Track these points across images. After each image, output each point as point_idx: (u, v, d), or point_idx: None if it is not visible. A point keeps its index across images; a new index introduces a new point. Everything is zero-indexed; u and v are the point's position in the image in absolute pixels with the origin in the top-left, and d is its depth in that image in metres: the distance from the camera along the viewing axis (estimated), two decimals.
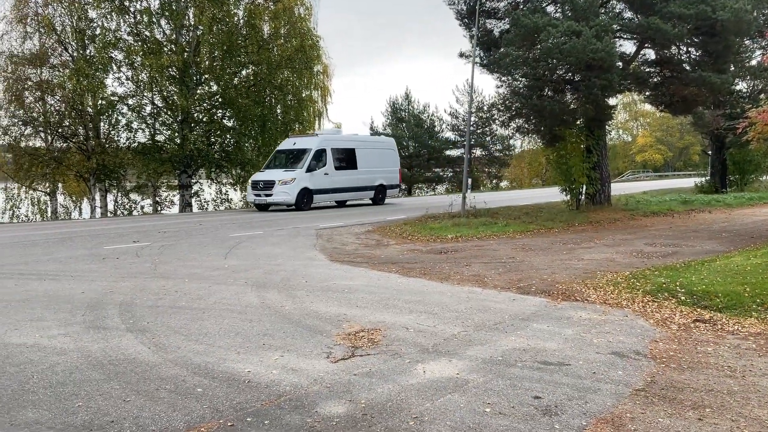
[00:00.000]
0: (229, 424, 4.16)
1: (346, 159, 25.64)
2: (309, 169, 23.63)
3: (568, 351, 5.78)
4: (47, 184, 30.49)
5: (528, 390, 4.78)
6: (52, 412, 4.33)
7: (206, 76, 30.57)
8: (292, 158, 24.45)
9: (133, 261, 11.17)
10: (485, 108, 50.95)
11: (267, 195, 23.25)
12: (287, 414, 4.32)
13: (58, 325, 6.61)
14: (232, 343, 5.98)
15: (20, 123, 28.48)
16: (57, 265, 10.71)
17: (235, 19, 30.16)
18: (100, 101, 28.81)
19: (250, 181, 24.96)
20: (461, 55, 21.74)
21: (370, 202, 27.10)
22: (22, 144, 29.05)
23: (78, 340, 6.05)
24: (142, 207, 32.97)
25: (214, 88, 31.26)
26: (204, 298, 8.02)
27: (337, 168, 24.93)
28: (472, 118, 48.96)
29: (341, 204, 26.48)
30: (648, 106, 54.59)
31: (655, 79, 19.79)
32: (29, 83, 28.31)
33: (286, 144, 25.94)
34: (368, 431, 4.06)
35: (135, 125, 30.69)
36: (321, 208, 24.28)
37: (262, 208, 24.16)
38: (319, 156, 24.22)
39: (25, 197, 30.07)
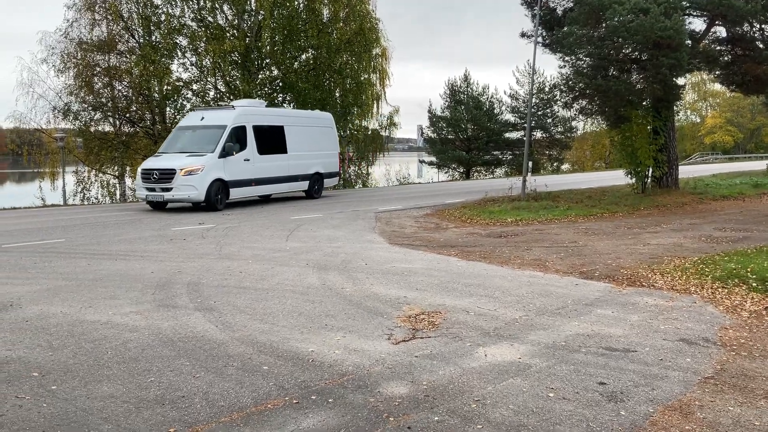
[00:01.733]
0: (294, 401, 4.26)
1: (273, 140, 19.34)
2: (224, 154, 17.16)
3: (634, 337, 5.67)
4: (116, 168, 31.45)
5: (592, 376, 4.72)
6: (126, 387, 4.52)
7: (267, 60, 30.92)
8: (200, 138, 17.77)
9: (199, 242, 11.47)
10: (546, 89, 50.08)
11: (164, 190, 16.64)
12: (350, 393, 4.39)
13: (129, 303, 6.86)
14: (296, 323, 6.09)
15: (90, 108, 29.42)
16: (127, 246, 11.09)
17: (296, 3, 30.35)
18: (165, 86, 29.49)
19: (139, 170, 17.79)
20: (522, 35, 21.40)
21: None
22: (92, 129, 30.06)
23: (149, 318, 6.28)
24: None
25: (275, 72, 31.60)
26: (267, 278, 8.18)
27: (261, 152, 18.54)
28: (533, 100, 48.12)
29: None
30: (718, 86, 52.53)
31: (726, 58, 19.06)
32: (98, 69, 29.19)
33: (191, 119, 19.26)
34: (431, 413, 4.09)
35: None
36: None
37: (158, 206, 17.44)
38: (238, 135, 17.79)
39: (95, 180, 31.09)
